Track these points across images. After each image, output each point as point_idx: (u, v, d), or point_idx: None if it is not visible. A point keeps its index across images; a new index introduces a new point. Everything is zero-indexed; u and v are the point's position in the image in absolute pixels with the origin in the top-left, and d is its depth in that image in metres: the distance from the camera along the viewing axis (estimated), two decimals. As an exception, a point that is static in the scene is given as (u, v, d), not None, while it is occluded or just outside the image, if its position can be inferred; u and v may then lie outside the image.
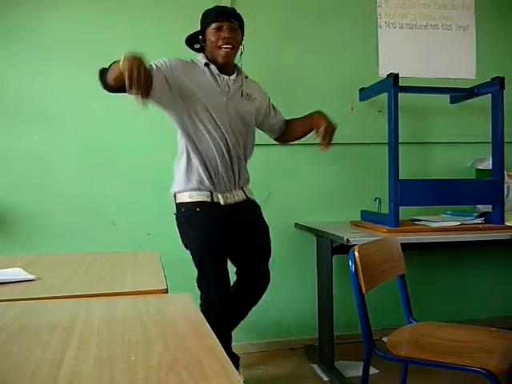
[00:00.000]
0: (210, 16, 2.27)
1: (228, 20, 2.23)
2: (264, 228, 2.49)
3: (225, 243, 2.31)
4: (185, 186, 2.27)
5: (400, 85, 2.60)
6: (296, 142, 2.86)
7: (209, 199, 2.25)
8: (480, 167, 3.08)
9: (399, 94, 2.60)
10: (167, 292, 1.21)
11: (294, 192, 3.11)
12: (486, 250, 3.25)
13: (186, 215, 2.28)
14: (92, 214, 2.87)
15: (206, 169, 2.25)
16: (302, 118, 2.56)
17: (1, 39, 2.78)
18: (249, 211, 2.42)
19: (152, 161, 2.84)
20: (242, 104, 2.33)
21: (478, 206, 2.96)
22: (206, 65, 2.28)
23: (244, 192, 2.38)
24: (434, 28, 3.28)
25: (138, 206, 2.90)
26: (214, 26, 2.23)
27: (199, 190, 2.25)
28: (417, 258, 3.10)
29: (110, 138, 2.87)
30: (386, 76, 2.70)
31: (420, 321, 2.03)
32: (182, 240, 2.33)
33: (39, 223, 2.82)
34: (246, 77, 2.41)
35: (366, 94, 3.06)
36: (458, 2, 3.31)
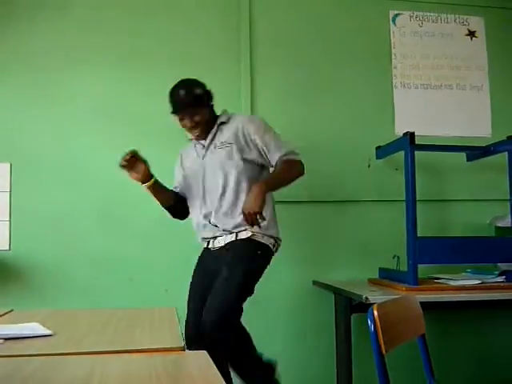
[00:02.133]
0: (171, 105, 2.44)
1: (184, 110, 2.39)
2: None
3: None
4: None
5: (416, 143, 2.62)
6: (313, 198, 2.92)
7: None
8: (499, 225, 3.05)
9: (416, 152, 2.63)
10: (184, 350, 1.20)
11: (312, 249, 3.10)
12: (508, 309, 3.17)
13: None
14: (109, 269, 2.88)
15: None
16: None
17: (26, 97, 2.90)
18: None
19: (168, 217, 2.86)
20: (214, 156, 2.44)
21: (499, 265, 2.91)
22: (190, 139, 2.54)
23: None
24: (449, 88, 3.35)
25: (155, 262, 2.91)
26: (176, 117, 2.43)
27: None
28: (437, 317, 3.03)
29: (128, 195, 2.91)
30: (402, 134, 2.73)
31: (442, 383, 1.97)
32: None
33: (57, 278, 2.84)
34: (223, 122, 2.48)
35: (382, 152, 3.09)
36: (471, 63, 3.38)
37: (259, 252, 2.36)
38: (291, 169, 2.38)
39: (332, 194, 3.12)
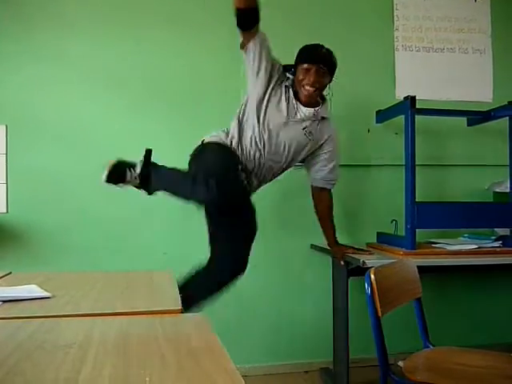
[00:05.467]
0: (303, 55, 2.41)
1: (317, 64, 2.35)
2: None
3: None
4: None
5: (417, 107, 2.60)
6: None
7: None
8: (497, 190, 3.05)
9: (416, 116, 2.60)
10: (182, 312, 1.21)
11: (310, 213, 3.10)
12: (504, 274, 3.20)
13: None
14: (108, 232, 2.89)
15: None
16: (331, 228, 2.68)
17: (22, 58, 2.84)
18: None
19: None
20: (296, 134, 2.40)
21: (496, 230, 2.92)
22: (286, 87, 2.42)
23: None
24: (451, 51, 3.29)
25: (154, 226, 2.92)
26: (304, 66, 2.36)
27: None
28: (433, 281, 3.06)
29: (127, 156, 2.90)
30: (402, 98, 2.70)
31: (437, 345, 2.00)
32: None
33: (56, 240, 2.84)
34: (324, 118, 2.47)
35: (382, 116, 3.06)
36: (475, 26, 3.32)
37: None
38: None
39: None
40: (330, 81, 2.45)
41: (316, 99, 2.44)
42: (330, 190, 2.61)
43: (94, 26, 2.91)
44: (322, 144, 2.50)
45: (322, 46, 2.42)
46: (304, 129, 2.41)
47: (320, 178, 2.57)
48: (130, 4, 2.94)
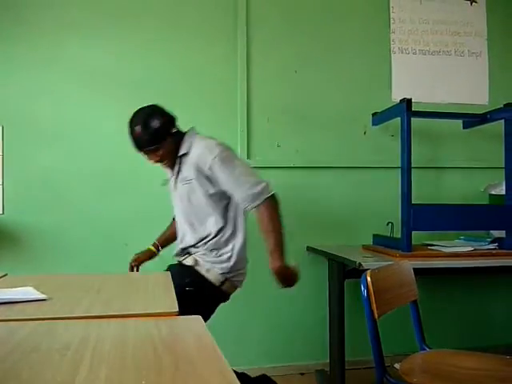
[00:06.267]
0: None
1: (142, 150, 2.24)
2: None
3: None
4: None
5: (413, 110, 2.60)
6: (308, 164, 2.90)
7: None
8: (493, 192, 3.06)
9: (412, 119, 2.61)
10: (178, 315, 1.21)
11: (306, 215, 3.10)
12: (500, 276, 3.21)
13: None
14: (104, 234, 2.88)
15: None
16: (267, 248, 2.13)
17: (19, 63, 2.84)
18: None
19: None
20: (181, 191, 2.29)
21: (492, 232, 2.93)
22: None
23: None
24: (447, 54, 3.30)
25: (150, 228, 2.91)
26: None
27: None
28: (429, 283, 3.07)
29: (124, 161, 2.89)
30: (399, 101, 2.71)
31: (433, 347, 2.00)
32: None
33: (52, 243, 2.83)
34: (184, 154, 2.25)
35: (378, 118, 3.06)
36: (471, 29, 3.33)
37: (187, 281, 2.14)
38: (272, 217, 2.13)
39: (328, 160, 3.11)
40: (169, 136, 2.23)
41: (174, 161, 2.29)
42: (256, 208, 2.14)
43: (90, 28, 2.90)
44: (195, 177, 2.21)
45: (131, 129, 2.23)
46: (180, 183, 2.29)
47: (241, 200, 2.18)
48: (126, 6, 2.94)
